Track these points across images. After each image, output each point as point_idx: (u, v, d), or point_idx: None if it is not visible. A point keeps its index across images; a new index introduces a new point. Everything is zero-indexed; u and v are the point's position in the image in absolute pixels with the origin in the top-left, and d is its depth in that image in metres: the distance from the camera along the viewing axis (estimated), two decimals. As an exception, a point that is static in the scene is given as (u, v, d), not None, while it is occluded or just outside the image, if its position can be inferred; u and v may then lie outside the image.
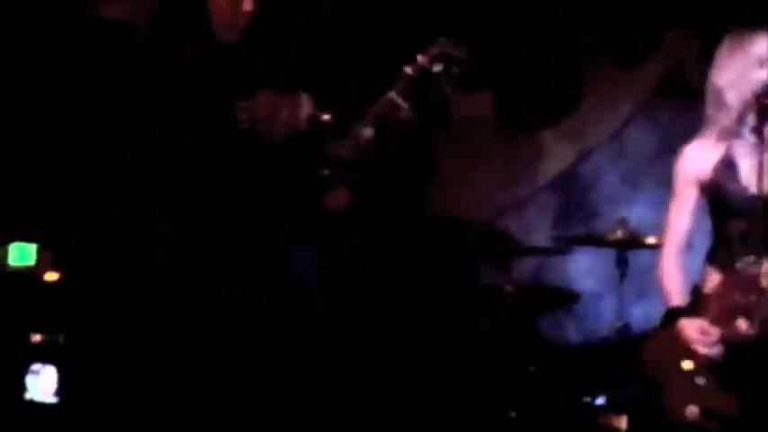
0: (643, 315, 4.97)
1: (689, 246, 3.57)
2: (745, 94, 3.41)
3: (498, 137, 5.86)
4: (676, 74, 5.72)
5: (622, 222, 4.81)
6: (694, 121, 5.57)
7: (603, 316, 5.15)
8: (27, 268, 4.67)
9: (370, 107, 3.02)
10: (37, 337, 4.49)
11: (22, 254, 4.68)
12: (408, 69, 3.00)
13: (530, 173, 5.82)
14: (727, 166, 3.45)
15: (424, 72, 2.99)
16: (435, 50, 3.02)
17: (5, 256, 4.66)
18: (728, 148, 3.46)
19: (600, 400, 4.68)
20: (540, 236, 5.57)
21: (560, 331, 5.59)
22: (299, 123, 3.05)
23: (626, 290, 4.93)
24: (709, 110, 3.49)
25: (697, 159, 3.51)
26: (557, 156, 5.79)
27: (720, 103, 3.45)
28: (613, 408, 4.60)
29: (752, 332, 3.30)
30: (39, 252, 4.68)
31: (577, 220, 5.68)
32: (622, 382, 4.63)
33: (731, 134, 3.45)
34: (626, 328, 4.77)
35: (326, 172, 3.00)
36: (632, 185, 5.73)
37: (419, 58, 3.00)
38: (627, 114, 5.79)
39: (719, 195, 3.46)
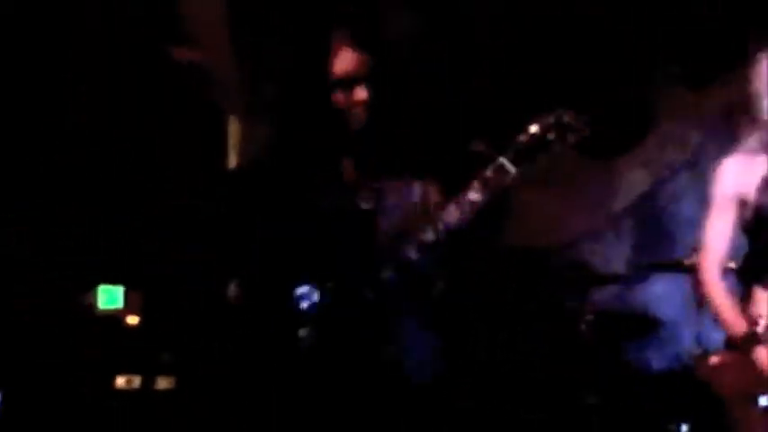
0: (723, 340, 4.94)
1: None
2: None
3: (573, 164, 5.86)
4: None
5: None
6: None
7: (684, 342, 5.11)
8: (114, 311, 4.77)
9: (480, 172, 2.99)
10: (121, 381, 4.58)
11: (111, 297, 4.77)
12: (522, 138, 2.97)
13: (606, 200, 5.81)
14: None
15: (537, 140, 2.96)
16: (551, 120, 2.97)
17: (95, 300, 4.75)
18: None
19: (683, 428, 4.64)
20: (619, 262, 5.56)
21: (642, 358, 5.57)
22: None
23: (705, 315, 4.90)
24: (750, 121, 3.42)
25: (738, 174, 3.40)
26: (632, 181, 5.77)
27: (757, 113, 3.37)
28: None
29: None
30: (126, 295, 4.78)
31: (656, 246, 5.65)
32: (704, 409, 4.61)
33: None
34: (705, 354, 4.73)
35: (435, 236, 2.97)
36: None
37: (533, 128, 2.97)
38: (701, 136, 5.76)
39: (761, 213, 3.34)
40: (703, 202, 5.67)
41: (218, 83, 5.24)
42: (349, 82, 3.05)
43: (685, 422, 4.65)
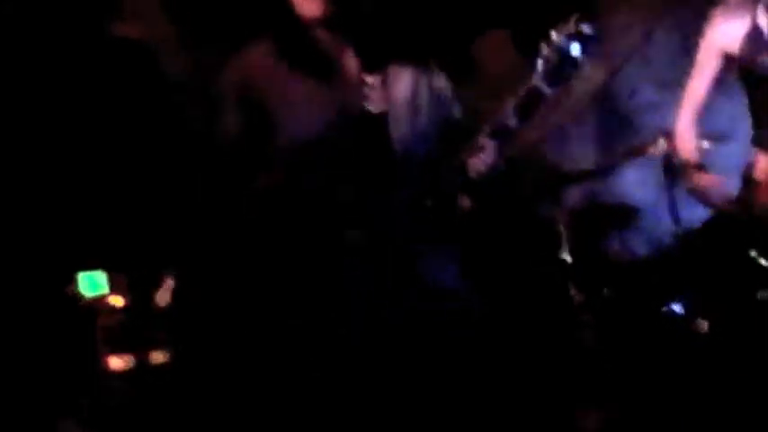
0: (703, 217, 4.98)
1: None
2: None
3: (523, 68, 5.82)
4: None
5: (664, 132, 4.79)
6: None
7: (664, 223, 5.15)
8: (101, 296, 4.75)
9: (515, 97, 2.84)
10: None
11: (93, 283, 4.76)
12: (546, 52, 2.74)
13: (563, 98, 5.81)
14: (756, 36, 3.41)
15: (562, 54, 2.72)
16: (570, 29, 2.71)
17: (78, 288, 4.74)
18: (754, 18, 3.43)
19: (678, 308, 4.68)
20: (586, 160, 5.59)
21: (627, 248, 5.62)
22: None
23: (681, 194, 4.94)
24: None
25: (724, 33, 3.48)
26: (586, 77, 5.78)
27: None
28: (693, 313, 4.61)
29: None
30: (110, 279, 4.76)
31: (620, 136, 5.67)
32: (694, 287, 4.65)
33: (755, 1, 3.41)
34: (686, 232, 4.77)
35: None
36: (666, 89, 5.71)
37: (554, 36, 2.72)
38: (649, 21, 5.76)
39: (752, 68, 3.41)
40: (659, 85, 5.73)
41: (161, 55, 5.19)
42: None
43: (678, 302, 4.69)
